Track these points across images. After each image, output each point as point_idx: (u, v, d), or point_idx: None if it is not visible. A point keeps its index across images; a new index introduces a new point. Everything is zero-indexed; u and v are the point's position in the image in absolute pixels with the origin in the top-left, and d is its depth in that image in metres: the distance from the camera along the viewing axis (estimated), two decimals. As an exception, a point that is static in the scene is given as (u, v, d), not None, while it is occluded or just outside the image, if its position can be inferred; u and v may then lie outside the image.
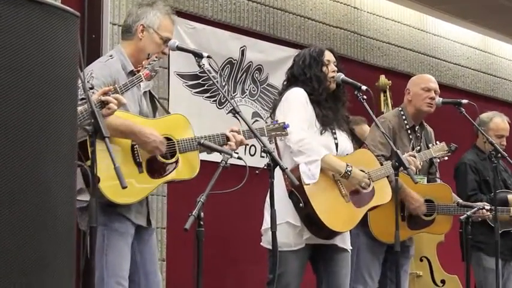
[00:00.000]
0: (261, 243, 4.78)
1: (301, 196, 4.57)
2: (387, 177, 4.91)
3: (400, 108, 5.56)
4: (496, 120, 6.55)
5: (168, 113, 4.42)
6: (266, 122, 4.60)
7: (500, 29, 10.12)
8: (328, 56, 4.90)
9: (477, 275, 6.31)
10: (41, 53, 2.46)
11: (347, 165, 4.66)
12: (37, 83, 2.45)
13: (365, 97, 4.97)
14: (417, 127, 5.54)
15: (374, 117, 5.03)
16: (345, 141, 4.82)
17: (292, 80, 4.94)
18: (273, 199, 3.99)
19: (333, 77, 4.84)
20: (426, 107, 5.51)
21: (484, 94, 10.11)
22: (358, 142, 5.20)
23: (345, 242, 4.80)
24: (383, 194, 4.84)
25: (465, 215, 5.50)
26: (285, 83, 4.96)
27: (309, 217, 4.54)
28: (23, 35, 2.42)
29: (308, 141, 4.59)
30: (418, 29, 9.41)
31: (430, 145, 5.51)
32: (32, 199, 2.42)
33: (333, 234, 4.66)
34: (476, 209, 5.58)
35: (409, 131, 5.02)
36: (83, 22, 6.16)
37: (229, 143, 4.27)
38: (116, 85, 3.72)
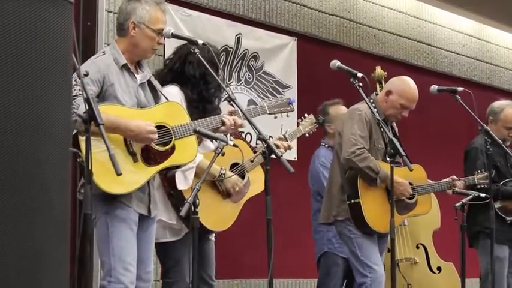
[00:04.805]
0: None
1: (180, 199, 4.57)
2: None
3: (371, 100, 5.40)
4: (507, 111, 6.43)
5: (168, 100, 4.42)
6: (268, 99, 4.58)
7: (496, 16, 10.12)
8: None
9: (484, 262, 6.27)
10: (35, 40, 2.46)
11: (221, 169, 4.68)
12: (31, 69, 2.45)
13: (361, 84, 4.96)
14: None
15: (369, 104, 5.03)
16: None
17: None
18: (268, 187, 3.99)
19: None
20: (394, 118, 5.47)
21: (480, 82, 10.11)
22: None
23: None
24: (256, 184, 4.84)
25: (460, 202, 5.51)
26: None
27: (187, 218, 4.54)
28: (16, 22, 2.41)
29: None
30: (414, 17, 9.39)
31: (298, 120, 5.44)
32: (26, 186, 2.42)
33: (211, 232, 4.71)
34: (471, 196, 5.58)
35: (379, 124, 4.98)
36: (79, 9, 6.14)
37: (222, 127, 4.33)
38: None
